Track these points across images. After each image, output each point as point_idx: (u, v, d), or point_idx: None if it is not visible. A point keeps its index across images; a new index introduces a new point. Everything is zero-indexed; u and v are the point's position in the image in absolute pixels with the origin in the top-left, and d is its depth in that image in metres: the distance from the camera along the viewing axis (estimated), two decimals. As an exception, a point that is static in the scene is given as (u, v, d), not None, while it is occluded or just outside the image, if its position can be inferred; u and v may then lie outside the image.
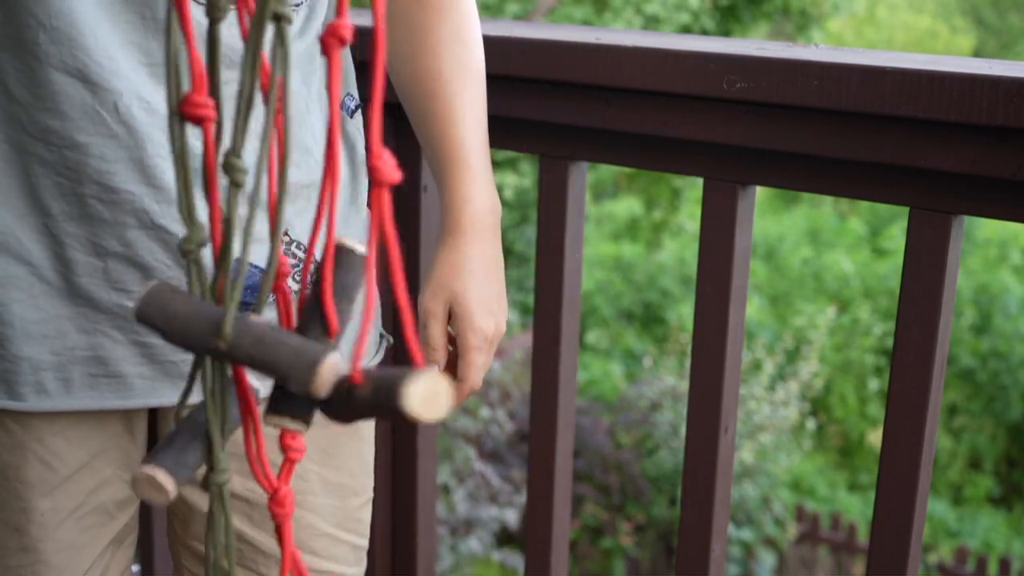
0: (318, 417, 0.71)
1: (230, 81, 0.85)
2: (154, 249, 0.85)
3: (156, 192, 0.83)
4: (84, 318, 0.87)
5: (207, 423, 0.51)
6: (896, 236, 9.26)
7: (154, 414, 0.97)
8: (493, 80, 1.22)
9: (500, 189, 6.52)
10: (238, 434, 0.93)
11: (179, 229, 0.85)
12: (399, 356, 1.47)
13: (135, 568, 1.80)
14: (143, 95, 0.81)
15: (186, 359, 0.91)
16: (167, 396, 0.92)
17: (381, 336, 1.07)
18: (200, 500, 0.97)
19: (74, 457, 0.92)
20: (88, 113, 0.80)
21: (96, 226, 0.84)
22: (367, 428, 1.04)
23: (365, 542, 1.06)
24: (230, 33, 0.83)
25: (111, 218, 0.83)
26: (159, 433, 0.97)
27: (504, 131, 1.30)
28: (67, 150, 0.81)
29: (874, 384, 7.93)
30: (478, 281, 0.98)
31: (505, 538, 4.53)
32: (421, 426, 1.49)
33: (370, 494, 1.05)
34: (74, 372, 0.89)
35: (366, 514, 1.05)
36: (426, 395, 0.44)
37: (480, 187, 0.98)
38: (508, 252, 7.64)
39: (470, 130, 0.98)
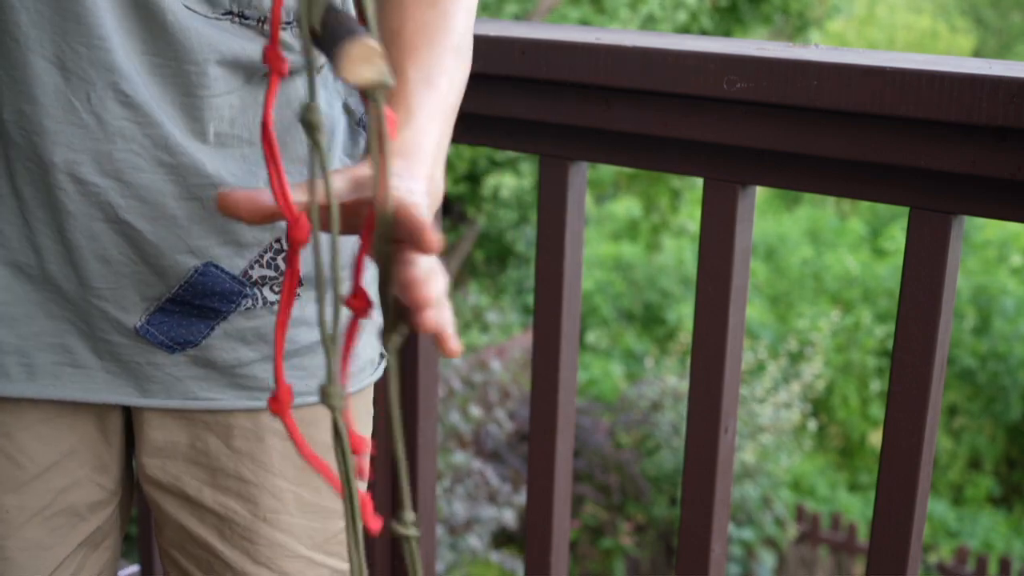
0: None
1: (233, 91, 0.84)
2: (120, 243, 0.84)
3: (123, 187, 0.82)
4: (53, 304, 0.86)
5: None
6: (896, 236, 9.26)
7: (129, 421, 0.96)
8: (493, 80, 1.22)
9: (499, 189, 6.51)
10: (208, 444, 0.92)
11: (144, 225, 0.83)
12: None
13: (135, 568, 1.81)
14: (122, 87, 0.79)
15: (152, 361, 0.89)
16: (131, 396, 0.90)
17: (382, 355, 1.03)
18: (174, 509, 0.96)
19: (43, 455, 0.90)
20: (60, 100, 0.79)
21: (62, 216, 0.83)
22: None
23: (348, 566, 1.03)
24: (240, 45, 0.83)
25: (75, 209, 0.82)
26: (135, 438, 0.95)
27: (504, 131, 1.30)
28: (35, 136, 0.80)
29: (876, 386, 7.94)
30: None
31: (504, 539, 4.53)
32: (421, 425, 1.49)
33: None
34: (38, 359, 0.87)
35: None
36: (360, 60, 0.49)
37: (422, 141, 0.80)
38: (508, 252, 7.64)
39: (418, 85, 0.82)
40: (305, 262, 0.90)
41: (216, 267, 0.86)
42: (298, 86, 0.89)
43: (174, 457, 0.94)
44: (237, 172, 0.85)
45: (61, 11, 0.77)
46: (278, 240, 0.88)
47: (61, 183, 0.81)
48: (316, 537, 0.97)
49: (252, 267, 0.88)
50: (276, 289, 0.90)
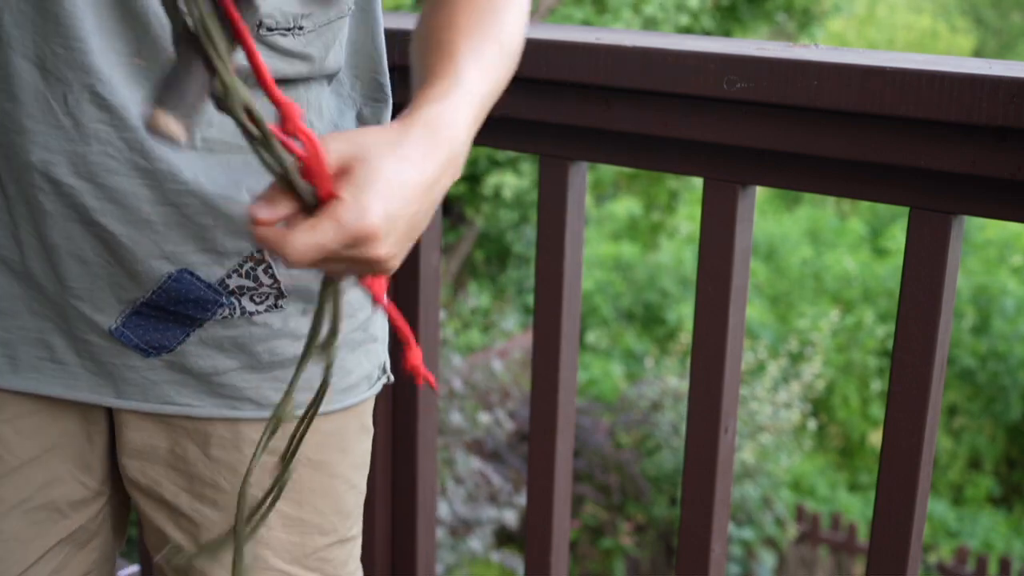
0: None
1: None
2: (95, 245, 0.84)
3: (97, 189, 0.82)
4: (34, 301, 0.87)
5: (206, 45, 0.58)
6: (896, 236, 9.26)
7: (111, 424, 0.95)
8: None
9: (500, 189, 6.51)
10: (186, 451, 0.93)
11: (118, 228, 0.83)
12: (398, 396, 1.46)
13: (135, 568, 1.81)
14: (99, 90, 0.79)
15: (128, 364, 0.89)
16: (108, 397, 0.90)
17: (384, 370, 1.01)
18: (152, 512, 0.96)
19: (23, 449, 0.90)
20: (38, 100, 0.79)
21: (40, 215, 0.83)
22: (343, 467, 0.98)
23: None
24: None
25: (52, 209, 0.83)
26: (117, 442, 0.94)
27: (504, 131, 1.29)
28: (15, 134, 0.81)
29: (876, 385, 7.93)
30: (402, 169, 0.72)
31: (505, 538, 4.53)
32: (421, 427, 1.49)
33: (346, 535, 0.99)
34: (21, 352, 0.88)
35: (340, 553, 0.99)
36: None
37: (462, 112, 0.79)
38: (508, 252, 7.64)
39: (469, 60, 0.81)
40: (291, 274, 0.89)
41: (191, 274, 0.86)
42: (300, 92, 0.88)
43: (153, 461, 0.93)
44: (219, 179, 0.84)
45: (42, 12, 0.77)
46: (259, 251, 0.87)
47: (38, 182, 0.82)
48: (295, 551, 0.96)
49: (230, 276, 0.87)
50: (256, 299, 0.89)
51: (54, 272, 0.85)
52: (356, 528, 1.01)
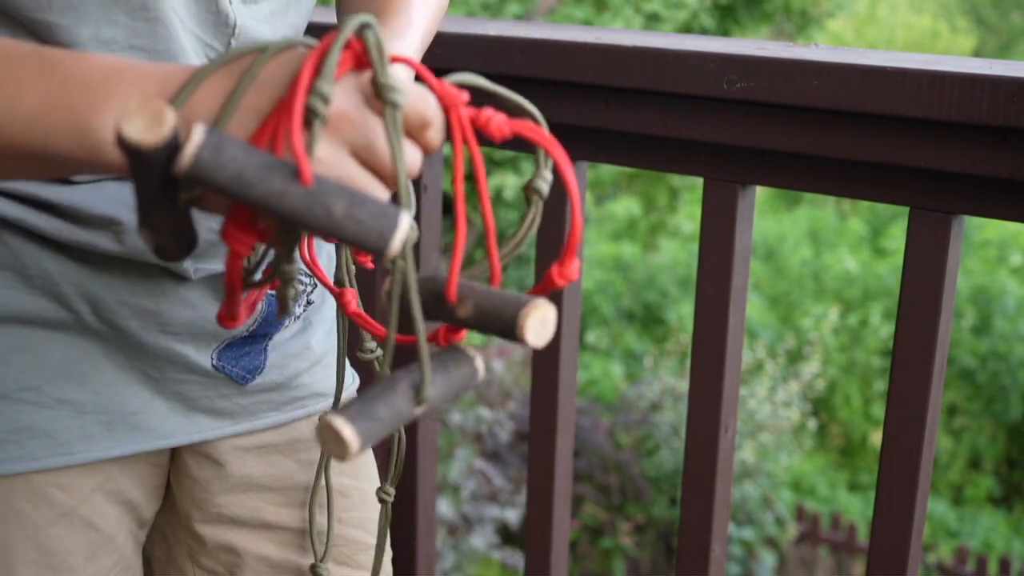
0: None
1: None
2: (201, 287, 0.86)
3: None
4: (116, 354, 0.85)
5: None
6: (896, 236, 9.26)
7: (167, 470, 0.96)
8: (493, 80, 1.22)
9: (500, 189, 6.50)
10: (279, 467, 0.94)
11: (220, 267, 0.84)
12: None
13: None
14: None
15: (221, 393, 0.90)
16: (207, 432, 0.90)
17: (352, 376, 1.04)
18: (254, 543, 0.96)
19: (112, 513, 0.89)
20: None
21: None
22: None
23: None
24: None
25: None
26: (199, 486, 0.94)
27: (504, 131, 1.30)
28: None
29: (879, 385, 7.93)
30: None
31: (506, 537, 4.53)
32: (421, 426, 1.49)
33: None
34: (115, 414, 0.85)
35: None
36: (539, 324, 0.49)
37: (413, 50, 0.86)
38: (508, 252, 7.62)
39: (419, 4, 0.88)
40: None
41: (273, 295, 0.88)
42: None
43: (250, 490, 0.94)
44: None
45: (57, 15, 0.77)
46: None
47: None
48: (373, 525, 1.00)
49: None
50: (301, 304, 0.93)
51: (154, 319, 0.84)
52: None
